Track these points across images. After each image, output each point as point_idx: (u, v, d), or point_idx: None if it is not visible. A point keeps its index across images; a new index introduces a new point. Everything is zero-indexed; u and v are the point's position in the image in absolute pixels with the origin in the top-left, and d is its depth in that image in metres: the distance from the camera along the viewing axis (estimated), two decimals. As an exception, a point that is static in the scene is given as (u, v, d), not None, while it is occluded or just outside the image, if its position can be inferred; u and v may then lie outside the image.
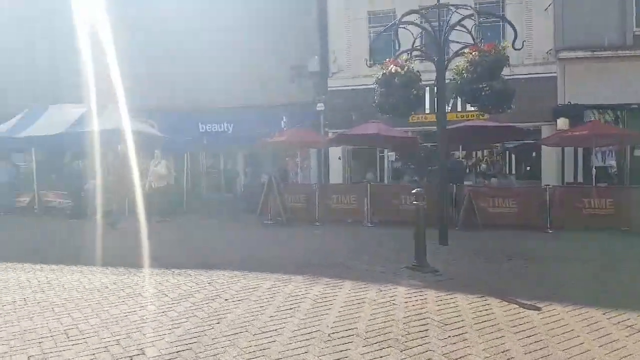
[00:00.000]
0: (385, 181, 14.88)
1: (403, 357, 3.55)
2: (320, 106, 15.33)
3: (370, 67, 8.15)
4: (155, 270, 6.40)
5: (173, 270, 6.40)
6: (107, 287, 5.60)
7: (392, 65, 7.50)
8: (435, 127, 13.83)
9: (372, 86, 14.65)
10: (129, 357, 3.57)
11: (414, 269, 6.17)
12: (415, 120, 14.46)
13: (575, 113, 14.06)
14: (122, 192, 10.76)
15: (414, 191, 6.09)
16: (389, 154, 15.12)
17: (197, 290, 5.34)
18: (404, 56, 7.80)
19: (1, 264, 6.85)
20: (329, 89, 15.66)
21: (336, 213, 11.09)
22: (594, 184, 11.22)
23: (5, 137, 13.52)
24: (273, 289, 5.37)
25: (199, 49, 16.08)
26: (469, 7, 8.50)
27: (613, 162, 14.59)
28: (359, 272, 6.19)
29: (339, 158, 15.51)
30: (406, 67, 7.55)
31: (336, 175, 15.53)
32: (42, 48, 17.05)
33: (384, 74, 7.68)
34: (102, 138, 12.16)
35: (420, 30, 8.35)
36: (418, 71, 7.88)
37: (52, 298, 5.14)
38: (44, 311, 4.68)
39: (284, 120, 15.13)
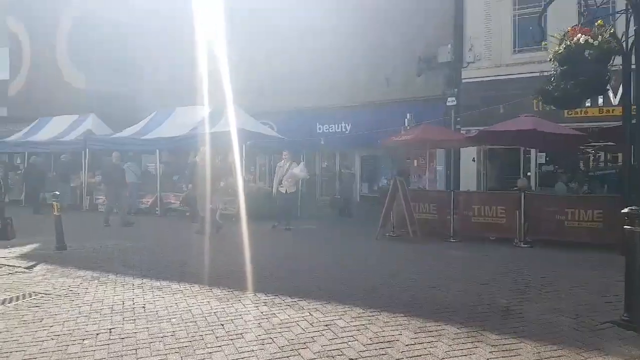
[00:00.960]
0: (533, 188, 12.37)
1: None
2: (451, 100, 13.36)
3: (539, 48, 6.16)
4: (262, 297, 5.24)
5: (283, 298, 5.17)
6: (205, 319, 4.54)
7: (580, 34, 5.43)
8: (604, 123, 11.23)
9: (516, 76, 12.62)
10: None
11: (624, 326, 4.14)
12: (572, 115, 11.81)
13: None
14: (206, 195, 9.66)
15: (626, 210, 4.07)
16: (538, 154, 12.55)
17: (312, 338, 3.99)
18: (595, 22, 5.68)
19: (105, 277, 6.27)
20: (462, 81, 13.60)
21: (476, 228, 9.13)
22: None
23: (133, 138, 13.89)
24: (416, 347, 3.79)
25: (318, 46, 15.13)
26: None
27: None
28: (537, 324, 4.33)
29: (473, 160, 13.34)
30: (600, 37, 5.42)
31: (469, 180, 13.38)
32: (166, 55, 17.50)
33: (567, 46, 5.60)
34: (220, 140, 11.85)
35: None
36: (619, 39, 5.69)
37: (140, 332, 4.19)
38: (125, 353, 3.70)
39: (408, 117, 13.46)
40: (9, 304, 5.04)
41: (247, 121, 13.72)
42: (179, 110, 15.20)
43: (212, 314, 4.71)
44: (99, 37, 17.23)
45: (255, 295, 5.34)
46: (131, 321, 4.51)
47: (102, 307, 4.93)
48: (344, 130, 15.19)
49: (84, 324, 4.43)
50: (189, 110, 14.80)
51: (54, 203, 7.91)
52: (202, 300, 5.16)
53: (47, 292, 5.49)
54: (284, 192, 10.17)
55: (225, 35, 15.65)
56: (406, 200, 8.78)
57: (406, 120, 13.31)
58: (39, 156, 15.55)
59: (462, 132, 12.99)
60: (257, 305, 4.97)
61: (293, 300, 5.11)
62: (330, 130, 15.43)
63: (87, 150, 14.32)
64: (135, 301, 5.16)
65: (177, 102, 15.48)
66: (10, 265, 6.77)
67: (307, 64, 15.29)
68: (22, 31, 19.62)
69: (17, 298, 5.27)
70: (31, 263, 6.95)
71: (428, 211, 9.55)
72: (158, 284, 5.90)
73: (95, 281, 6.04)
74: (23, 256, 7.45)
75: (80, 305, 5.02)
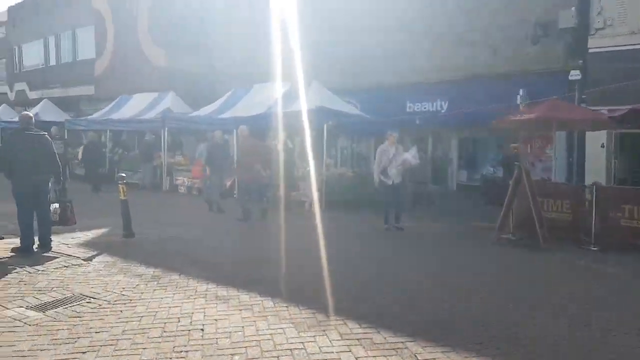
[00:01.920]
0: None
1: None
2: (575, 74, 11.03)
3: None
4: (355, 329, 3.87)
5: (385, 335, 3.76)
6: (278, 360, 3.30)
7: None
8: None
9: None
10: None
11: None
12: None
13: None
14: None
15: None
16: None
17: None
18: None
19: (167, 277, 5.28)
20: (589, 51, 11.18)
21: (625, 233, 7.04)
22: None
23: (210, 117, 13.21)
24: None
25: (408, 12, 13.29)
26: None
27: None
28: None
29: (602, 146, 10.96)
30: None
31: (595, 171, 11.02)
32: (246, 32, 16.60)
33: None
34: (297, 119, 10.69)
35: None
36: None
37: (190, 377, 3.05)
38: None
39: (521, 94, 11.32)
40: (49, 311, 4.17)
41: (328, 98, 12.39)
42: (256, 88, 14.26)
43: (289, 352, 3.45)
44: (180, 14, 16.74)
45: (344, 324, 3.99)
46: (182, 354, 3.39)
47: (152, 325, 3.89)
48: (439, 108, 13.30)
49: (124, 351, 3.39)
50: (266, 88, 13.78)
51: (120, 186, 7.11)
52: (275, 325, 3.94)
53: (96, 296, 4.58)
54: (391, 183, 8.34)
55: (305, 11, 14.45)
56: (533, 195, 6.88)
57: (519, 96, 11.19)
58: (122, 133, 15.36)
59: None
60: (348, 343, 3.62)
61: (398, 338, 3.69)
62: (423, 109, 13.62)
63: (166, 128, 13.82)
64: (193, 318, 4.07)
65: (256, 80, 14.55)
66: (69, 255, 6.06)
67: (395, 34, 13.54)
68: (106, 9, 19.72)
69: (61, 302, 4.40)
70: (92, 253, 6.20)
71: (559, 209, 7.53)
72: (224, 292, 4.78)
73: (154, 282, 5.08)
74: (86, 244, 6.77)
75: (127, 319, 4.01)
